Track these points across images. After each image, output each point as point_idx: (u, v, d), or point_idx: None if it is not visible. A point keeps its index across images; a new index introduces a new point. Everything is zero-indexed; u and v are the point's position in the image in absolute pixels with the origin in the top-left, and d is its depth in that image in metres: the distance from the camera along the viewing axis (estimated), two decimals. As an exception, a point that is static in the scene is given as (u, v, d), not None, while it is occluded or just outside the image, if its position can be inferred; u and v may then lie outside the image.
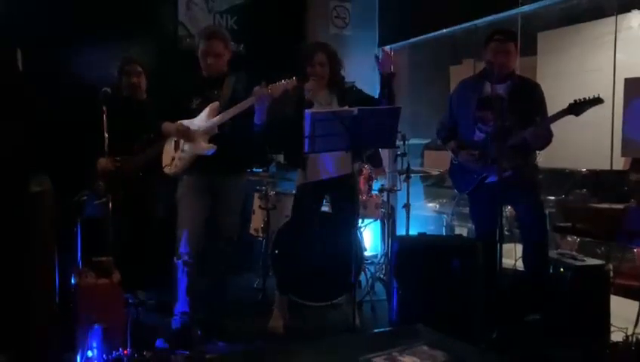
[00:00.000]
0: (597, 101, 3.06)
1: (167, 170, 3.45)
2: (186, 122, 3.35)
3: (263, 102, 3.16)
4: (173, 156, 3.42)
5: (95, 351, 2.79)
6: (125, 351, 2.83)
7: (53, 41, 4.46)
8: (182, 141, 3.38)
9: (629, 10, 4.01)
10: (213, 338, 3.38)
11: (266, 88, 3.16)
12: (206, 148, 3.28)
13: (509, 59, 3.37)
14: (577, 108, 3.07)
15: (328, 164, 3.50)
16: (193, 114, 3.37)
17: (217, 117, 3.28)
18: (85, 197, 3.60)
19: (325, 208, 3.91)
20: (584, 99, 3.06)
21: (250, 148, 3.61)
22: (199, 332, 3.38)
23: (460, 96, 3.60)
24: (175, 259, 3.34)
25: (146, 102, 3.97)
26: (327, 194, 3.70)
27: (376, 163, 4.71)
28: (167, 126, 3.41)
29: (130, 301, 3.63)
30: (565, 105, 3.09)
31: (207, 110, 3.32)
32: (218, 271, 3.51)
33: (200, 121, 3.33)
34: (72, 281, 2.97)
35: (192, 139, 3.31)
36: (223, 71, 3.45)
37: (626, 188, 3.93)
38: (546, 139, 3.29)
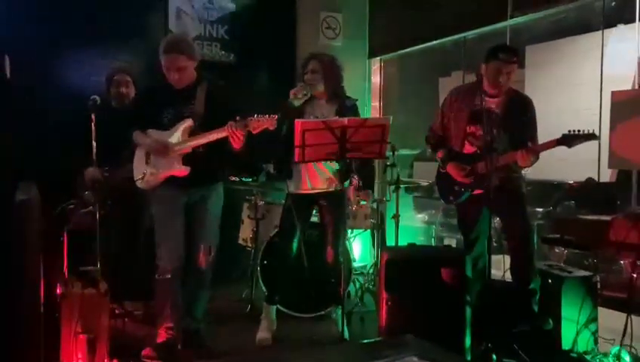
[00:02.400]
0: (591, 137, 3.02)
1: (139, 183, 3.32)
2: (157, 134, 3.25)
3: (237, 137, 3.04)
4: (144, 171, 3.27)
5: (80, 361, 2.76)
6: (111, 362, 2.80)
7: (41, 49, 4.43)
8: (152, 155, 3.26)
9: (615, 25, 4.06)
10: (199, 350, 3.35)
11: (241, 127, 3.01)
12: (179, 169, 3.20)
13: (509, 80, 3.29)
14: (569, 140, 3.04)
15: (314, 180, 3.50)
16: (164, 127, 3.25)
17: (192, 141, 3.18)
18: (72, 206, 3.57)
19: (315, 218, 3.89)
20: (578, 131, 3.03)
21: (226, 163, 3.52)
22: (185, 344, 3.34)
23: (453, 105, 3.54)
24: (157, 275, 3.26)
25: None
26: (315, 205, 3.68)
27: (366, 182, 4.66)
28: (140, 137, 3.29)
29: (116, 311, 3.60)
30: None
31: (180, 128, 3.21)
32: (201, 282, 3.43)
33: (173, 138, 3.21)
34: (58, 291, 2.94)
35: (166, 155, 3.20)
36: (192, 81, 3.28)
37: (619, 202, 3.95)
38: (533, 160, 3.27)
